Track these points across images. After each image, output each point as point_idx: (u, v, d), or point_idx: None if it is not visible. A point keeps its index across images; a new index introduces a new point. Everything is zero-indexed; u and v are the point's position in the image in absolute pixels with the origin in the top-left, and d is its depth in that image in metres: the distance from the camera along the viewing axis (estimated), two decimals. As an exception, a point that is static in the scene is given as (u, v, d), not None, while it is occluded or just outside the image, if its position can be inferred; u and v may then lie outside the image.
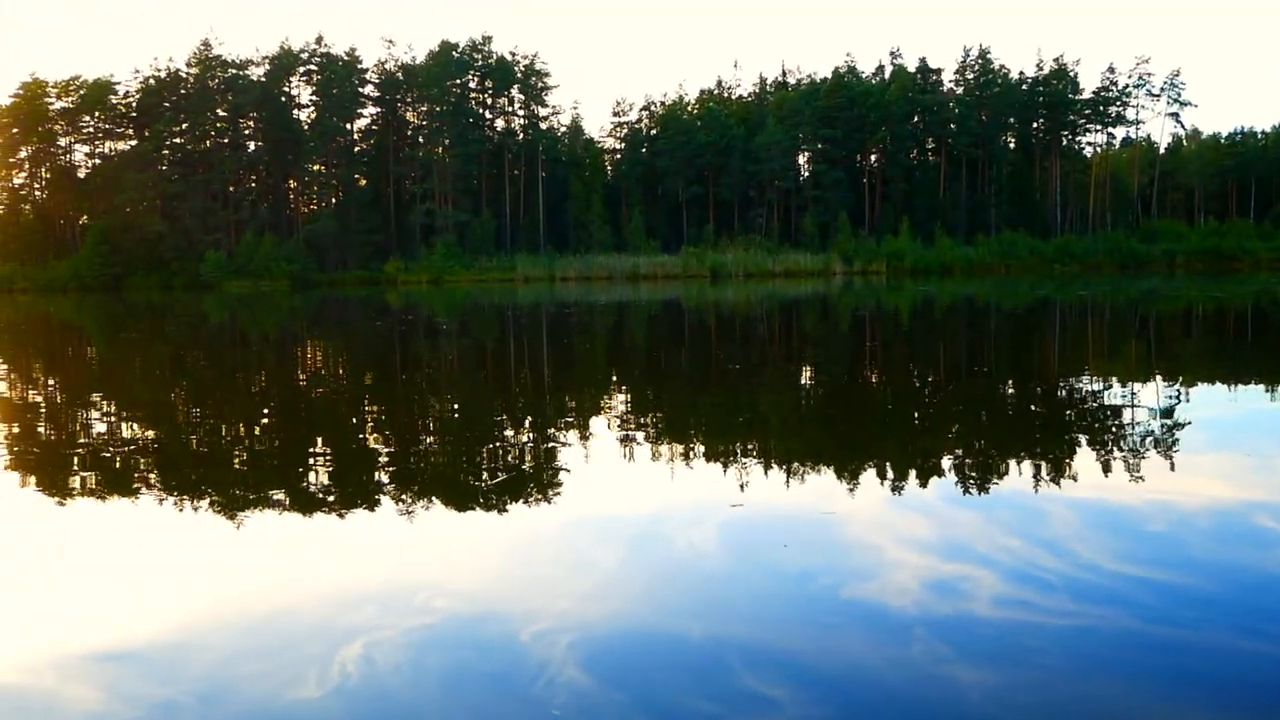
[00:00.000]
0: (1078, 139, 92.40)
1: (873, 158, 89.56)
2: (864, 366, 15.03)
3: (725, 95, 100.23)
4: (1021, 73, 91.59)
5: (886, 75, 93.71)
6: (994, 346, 18.41)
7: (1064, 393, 11.41)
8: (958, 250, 77.41)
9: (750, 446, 8.32)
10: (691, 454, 8.00)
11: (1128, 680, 3.58)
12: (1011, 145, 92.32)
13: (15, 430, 10.04)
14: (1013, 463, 7.33)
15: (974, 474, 6.96)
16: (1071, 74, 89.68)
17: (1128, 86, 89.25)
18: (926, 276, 66.08)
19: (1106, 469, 7.00)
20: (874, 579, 4.71)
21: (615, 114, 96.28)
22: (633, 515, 6.15)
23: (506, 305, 38.84)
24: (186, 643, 4.10)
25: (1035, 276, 63.05)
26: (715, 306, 34.93)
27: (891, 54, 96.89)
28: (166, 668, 3.85)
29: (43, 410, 11.97)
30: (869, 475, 7.00)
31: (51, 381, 15.36)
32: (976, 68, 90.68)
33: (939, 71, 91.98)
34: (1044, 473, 6.93)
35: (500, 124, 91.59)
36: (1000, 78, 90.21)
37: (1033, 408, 10.44)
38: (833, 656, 3.83)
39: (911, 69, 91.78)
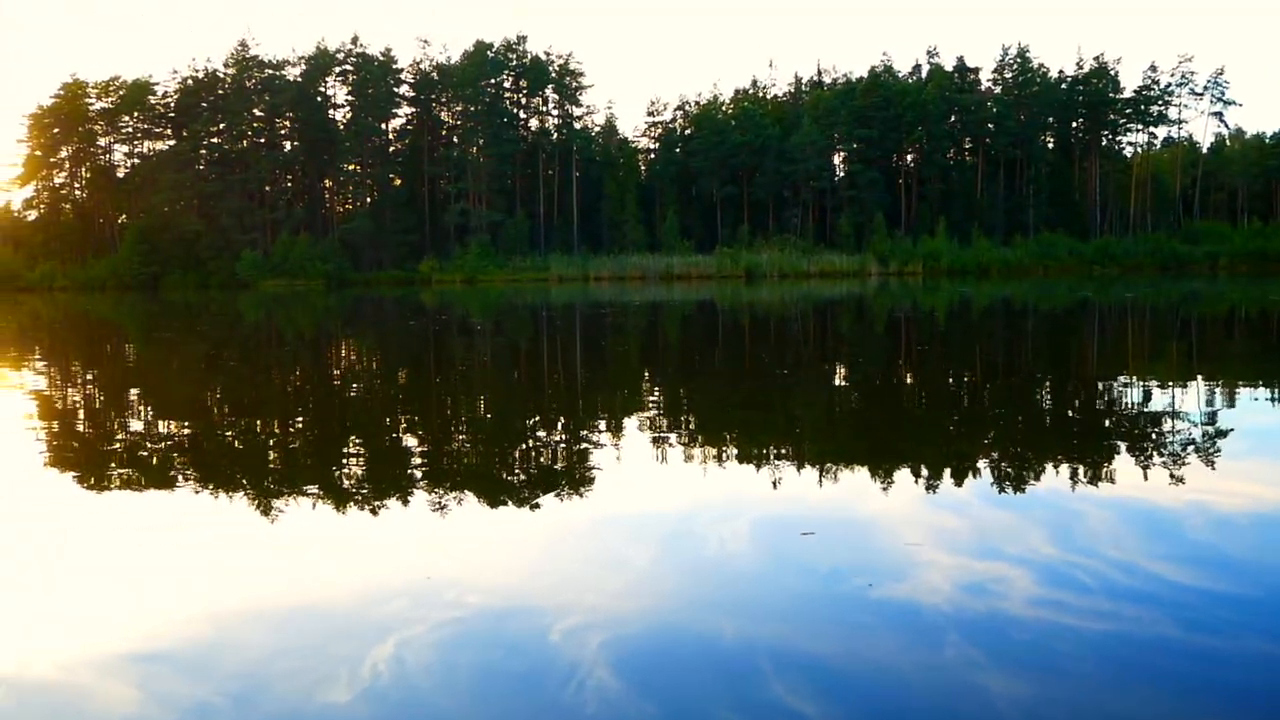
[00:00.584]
0: (1118, 139, 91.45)
1: (909, 158, 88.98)
2: (900, 368, 14.91)
3: (760, 95, 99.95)
4: (1061, 72, 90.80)
5: (923, 75, 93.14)
6: (1032, 348, 18.19)
7: (1104, 395, 11.24)
8: (995, 251, 76.79)
9: (784, 449, 8.25)
10: (724, 453, 7.96)
11: (1163, 688, 3.50)
12: (1050, 145, 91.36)
13: (52, 427, 10.18)
14: (1049, 465, 7.23)
15: (1009, 475, 6.87)
16: (1112, 73, 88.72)
17: (1170, 85, 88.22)
18: (963, 277, 65.57)
19: (1146, 472, 6.89)
20: (906, 579, 4.65)
21: (649, 114, 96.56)
22: (664, 514, 6.12)
23: (540, 305, 38.92)
24: (218, 641, 4.11)
25: (1074, 278, 62.37)
26: (750, 307, 34.82)
27: (928, 53, 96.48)
28: (199, 666, 3.86)
29: (79, 407, 12.12)
30: (903, 475, 6.92)
31: (89, 378, 15.55)
32: (1015, 67, 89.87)
33: (976, 71, 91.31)
34: (1081, 475, 6.82)
35: (534, 124, 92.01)
36: (1039, 77, 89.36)
37: (1070, 411, 10.30)
38: (863, 659, 3.79)
39: (949, 68, 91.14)
